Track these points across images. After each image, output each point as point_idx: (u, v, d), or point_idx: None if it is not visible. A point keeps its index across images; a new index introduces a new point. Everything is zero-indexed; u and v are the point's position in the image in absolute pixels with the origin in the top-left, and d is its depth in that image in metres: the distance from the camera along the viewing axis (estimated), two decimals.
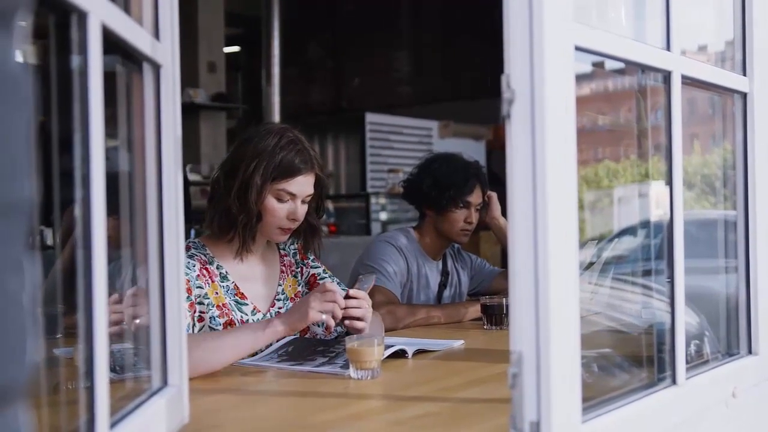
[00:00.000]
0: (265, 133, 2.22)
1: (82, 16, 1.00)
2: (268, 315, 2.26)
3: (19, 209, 0.56)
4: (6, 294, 0.54)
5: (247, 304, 2.23)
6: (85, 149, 1.00)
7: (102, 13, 1.04)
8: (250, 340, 2.02)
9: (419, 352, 2.17)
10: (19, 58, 0.58)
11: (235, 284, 2.23)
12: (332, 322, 2.04)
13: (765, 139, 1.83)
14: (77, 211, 1.00)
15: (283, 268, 2.38)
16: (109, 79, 1.08)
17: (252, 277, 2.29)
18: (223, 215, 2.20)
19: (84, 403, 1.01)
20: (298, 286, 2.40)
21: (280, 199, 2.20)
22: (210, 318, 2.14)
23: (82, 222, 1.00)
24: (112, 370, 1.09)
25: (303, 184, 2.22)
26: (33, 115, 0.58)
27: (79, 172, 0.99)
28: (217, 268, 2.22)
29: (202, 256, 2.20)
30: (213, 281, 2.19)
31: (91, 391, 1.00)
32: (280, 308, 2.30)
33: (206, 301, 2.14)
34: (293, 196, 2.21)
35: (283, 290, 2.35)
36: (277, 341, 2.16)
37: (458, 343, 2.35)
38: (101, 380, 1.01)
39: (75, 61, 1.01)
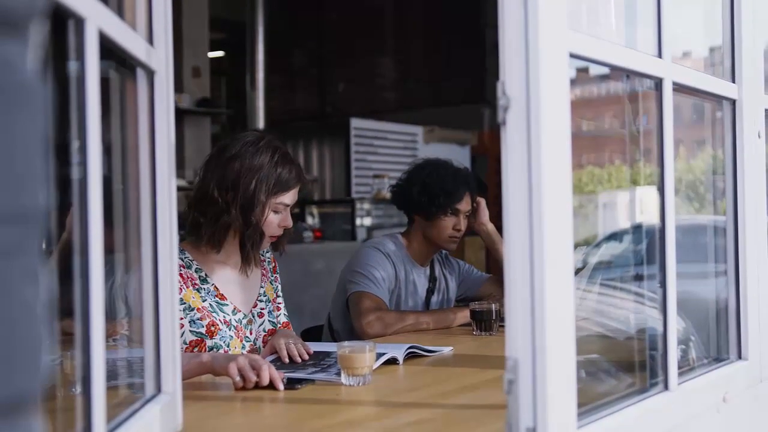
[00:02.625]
0: (254, 148, 2.26)
1: (80, 23, 0.99)
2: (250, 315, 2.35)
3: (33, 218, 0.56)
4: (22, 304, 0.54)
5: (227, 305, 2.29)
6: (83, 155, 1.00)
7: (99, 20, 1.03)
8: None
9: (411, 357, 2.18)
10: (32, 66, 0.58)
11: (215, 286, 2.29)
12: (239, 382, 1.85)
13: (753, 145, 1.85)
14: (74, 217, 1.00)
15: (264, 272, 2.46)
16: (102, 84, 1.08)
17: (233, 280, 2.35)
18: (222, 230, 2.25)
19: (80, 410, 1.00)
20: (274, 292, 2.48)
21: (276, 211, 2.28)
22: (190, 322, 2.20)
23: (80, 228, 0.99)
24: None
25: (295, 194, 2.32)
26: (47, 123, 0.58)
27: (77, 178, 0.99)
28: (196, 271, 2.28)
29: (180, 261, 2.23)
30: (188, 286, 2.23)
31: (87, 398, 1.00)
32: (262, 309, 2.39)
33: (182, 307, 2.18)
34: (286, 206, 2.30)
35: (264, 292, 2.43)
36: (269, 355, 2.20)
37: (447, 350, 2.35)
38: (98, 388, 1.00)
39: (72, 66, 1.01)
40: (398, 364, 2.11)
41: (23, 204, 0.55)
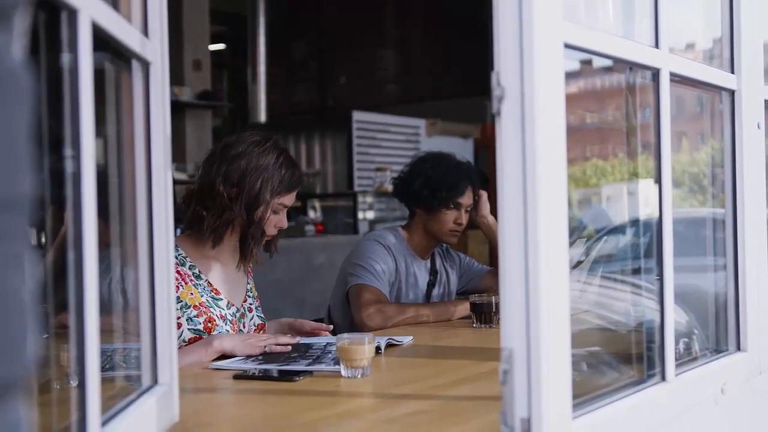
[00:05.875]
0: (260, 148, 2.29)
1: (72, 13, 0.99)
2: (242, 309, 2.39)
3: (20, 205, 0.56)
4: (8, 290, 0.54)
5: (221, 299, 2.32)
6: (76, 148, 1.00)
7: (92, 10, 1.03)
8: (196, 358, 2.09)
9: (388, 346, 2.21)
10: (17, 54, 0.58)
11: (209, 281, 2.31)
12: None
13: (752, 136, 1.84)
14: (68, 211, 1.00)
15: (250, 270, 2.49)
16: (97, 76, 1.08)
17: (224, 276, 2.38)
18: (224, 225, 2.28)
19: (75, 401, 1.00)
20: (256, 290, 2.53)
21: (275, 212, 2.32)
22: (187, 319, 2.22)
23: (73, 222, 0.99)
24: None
25: (294, 197, 2.37)
26: (32, 111, 0.58)
27: (70, 171, 0.99)
28: (190, 268, 2.30)
29: (173, 259, 2.24)
30: (186, 282, 2.25)
31: (82, 389, 1.00)
32: (251, 304, 2.44)
33: (179, 305, 2.20)
34: (285, 207, 2.34)
35: (251, 288, 2.48)
36: None
37: (408, 339, 2.38)
38: (92, 379, 1.00)
39: (65, 58, 1.01)
40: (380, 353, 2.12)
41: (8, 191, 0.55)
